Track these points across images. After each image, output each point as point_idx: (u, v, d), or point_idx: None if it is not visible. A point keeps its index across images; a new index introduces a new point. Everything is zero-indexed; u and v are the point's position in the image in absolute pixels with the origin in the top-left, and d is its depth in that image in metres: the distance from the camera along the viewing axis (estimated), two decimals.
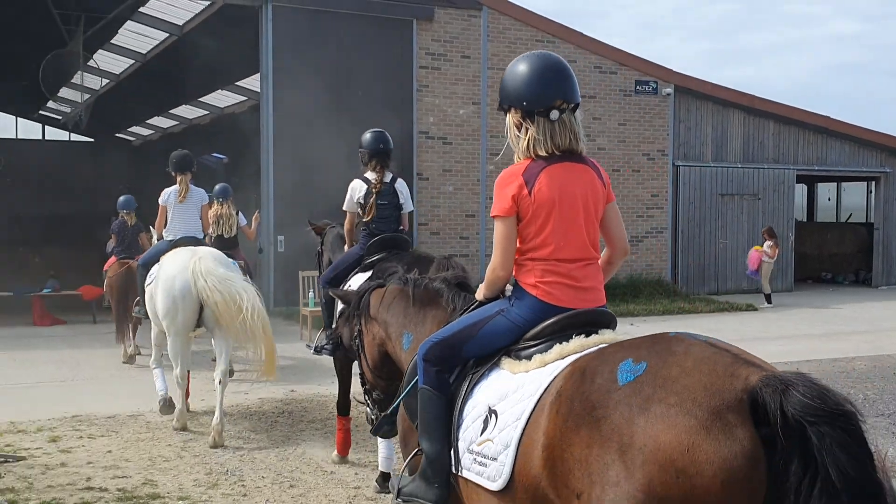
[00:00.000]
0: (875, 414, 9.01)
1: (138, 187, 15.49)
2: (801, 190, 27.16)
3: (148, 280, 8.68)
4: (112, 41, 23.32)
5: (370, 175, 7.32)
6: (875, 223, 24.50)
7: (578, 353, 3.23)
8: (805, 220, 28.37)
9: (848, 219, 28.01)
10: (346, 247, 7.59)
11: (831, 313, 18.32)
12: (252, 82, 23.14)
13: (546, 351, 3.35)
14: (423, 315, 4.16)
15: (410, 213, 7.61)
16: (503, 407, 3.29)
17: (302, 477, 6.87)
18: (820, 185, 28.54)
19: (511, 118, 3.64)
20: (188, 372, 8.63)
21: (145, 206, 13.31)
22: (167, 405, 8.54)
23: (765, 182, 22.41)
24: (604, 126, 20.38)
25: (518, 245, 3.58)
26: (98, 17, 20.00)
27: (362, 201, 7.23)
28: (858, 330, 15.72)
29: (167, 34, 21.61)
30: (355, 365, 5.29)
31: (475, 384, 3.51)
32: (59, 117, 33.53)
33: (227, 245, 11.87)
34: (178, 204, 8.94)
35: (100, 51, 23.66)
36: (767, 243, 19.64)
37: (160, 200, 9.09)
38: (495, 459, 3.22)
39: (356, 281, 6.72)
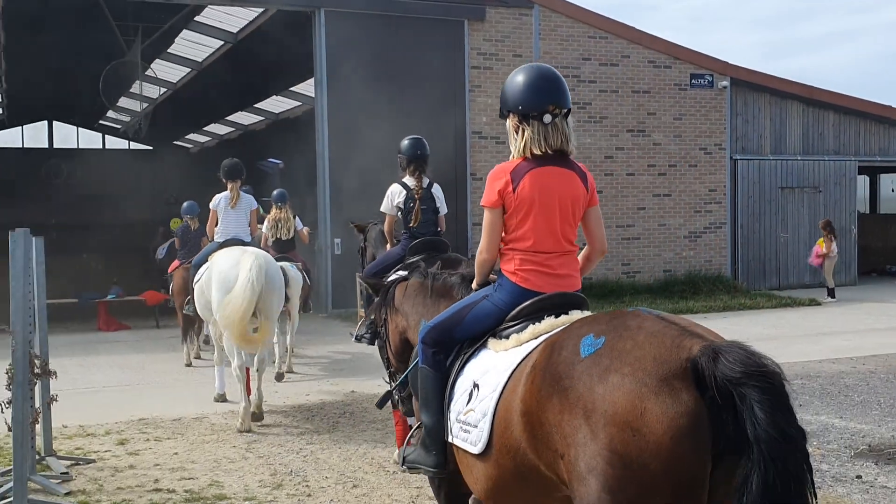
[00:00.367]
0: None
1: (196, 194, 15.70)
2: (863, 181, 26.61)
3: (196, 278, 9.23)
4: (169, 50, 23.72)
5: (408, 180, 7.77)
6: None
7: (549, 332, 3.62)
8: (868, 212, 27.78)
9: None
10: (387, 246, 8.02)
11: None
12: (306, 87, 23.37)
13: (522, 331, 3.78)
14: (437, 306, 4.57)
15: (446, 215, 8.01)
16: (484, 381, 3.73)
17: (365, 477, 6.92)
18: (882, 175, 27.91)
19: (510, 122, 4.06)
20: (247, 369, 8.86)
21: (206, 211, 13.55)
22: (221, 400, 9.54)
23: (826, 174, 22.00)
24: (659, 121, 20.19)
25: (504, 235, 4.04)
26: (155, 27, 20.36)
27: (402, 205, 7.71)
28: None
29: (222, 42, 21.94)
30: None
31: (466, 362, 3.95)
32: (119, 126, 34.17)
33: (284, 247, 12.44)
34: (229, 209, 9.48)
35: (157, 60, 24.09)
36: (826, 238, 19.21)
37: (211, 205, 9.64)
38: (476, 426, 3.67)
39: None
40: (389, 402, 5.10)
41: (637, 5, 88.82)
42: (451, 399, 3.94)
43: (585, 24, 19.50)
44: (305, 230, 13.37)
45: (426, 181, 7.81)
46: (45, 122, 38.64)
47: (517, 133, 4.01)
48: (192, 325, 12.06)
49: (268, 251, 11.98)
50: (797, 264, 21.49)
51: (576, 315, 3.79)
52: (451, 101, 18.16)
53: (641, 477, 2.92)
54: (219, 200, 9.53)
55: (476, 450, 3.66)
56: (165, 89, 27.21)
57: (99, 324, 16.18)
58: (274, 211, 12.56)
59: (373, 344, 7.24)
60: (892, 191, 28.40)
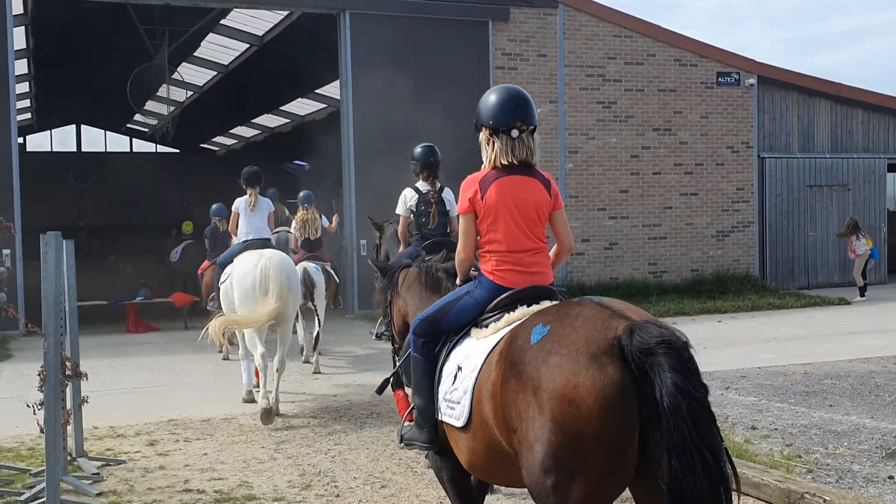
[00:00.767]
0: None
1: (224, 196, 15.79)
2: (892, 179, 26.27)
3: (222, 278, 9.79)
4: (195, 54, 23.89)
5: (421, 185, 8.42)
6: None
7: (520, 320, 4.05)
8: None
9: None
10: (400, 247, 8.57)
11: None
12: (331, 89, 23.43)
13: (499, 320, 4.24)
14: (429, 299, 5.10)
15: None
16: (465, 363, 4.21)
17: (393, 478, 6.93)
18: None
19: (483, 135, 4.60)
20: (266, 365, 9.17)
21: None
22: (250, 399, 9.67)
23: (855, 172, 21.77)
24: (685, 120, 20.08)
25: (479, 238, 4.55)
26: (182, 31, 20.50)
27: (413, 208, 8.40)
28: None
29: (248, 45, 22.06)
30: None
31: (451, 350, 4.42)
32: (146, 129, 34.45)
33: (313, 247, 12.80)
34: (249, 212, 10.21)
35: (184, 63, 24.25)
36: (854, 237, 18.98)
37: (233, 208, 10.50)
38: (459, 403, 4.14)
39: None
40: (389, 387, 5.41)
41: (662, 4, 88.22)
42: (439, 382, 4.41)
43: (610, 22, 19.42)
44: (334, 222, 13.93)
45: (437, 186, 8.39)
46: (74, 126, 39.04)
47: (488, 145, 4.55)
48: None
49: (298, 251, 12.34)
50: (826, 263, 21.29)
51: (545, 305, 4.22)
52: (476, 101, 17.86)
53: (578, 441, 3.37)
54: (239, 204, 10.31)
55: (459, 423, 4.13)
56: (192, 92, 27.41)
57: (128, 325, 16.30)
58: (301, 212, 12.86)
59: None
60: None
